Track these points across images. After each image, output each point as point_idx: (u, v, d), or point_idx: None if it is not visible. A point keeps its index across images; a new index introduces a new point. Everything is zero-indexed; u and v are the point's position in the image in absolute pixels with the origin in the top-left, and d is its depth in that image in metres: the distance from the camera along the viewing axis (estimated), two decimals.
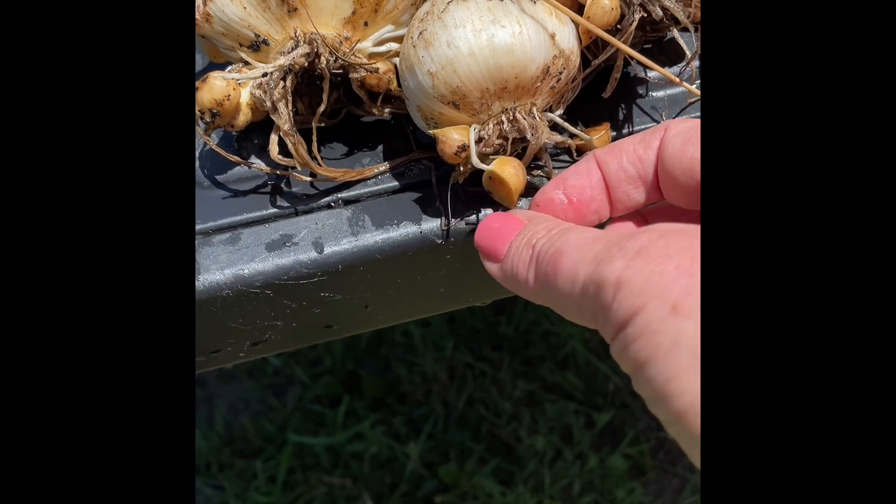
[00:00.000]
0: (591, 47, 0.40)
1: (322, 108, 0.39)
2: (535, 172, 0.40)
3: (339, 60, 0.38)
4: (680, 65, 0.44)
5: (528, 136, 0.36)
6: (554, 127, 0.39)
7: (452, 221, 0.40)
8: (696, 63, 0.42)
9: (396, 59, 0.40)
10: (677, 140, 0.33)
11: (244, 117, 0.39)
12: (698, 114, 0.43)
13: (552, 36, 0.36)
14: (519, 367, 1.19)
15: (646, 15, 0.37)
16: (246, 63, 0.39)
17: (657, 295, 0.26)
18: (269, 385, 1.20)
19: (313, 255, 0.39)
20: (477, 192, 0.40)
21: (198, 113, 0.38)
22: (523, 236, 0.33)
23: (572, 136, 0.40)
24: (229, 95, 0.37)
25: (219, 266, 0.39)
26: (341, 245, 0.40)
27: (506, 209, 0.39)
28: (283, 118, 0.37)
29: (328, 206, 0.41)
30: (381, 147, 0.43)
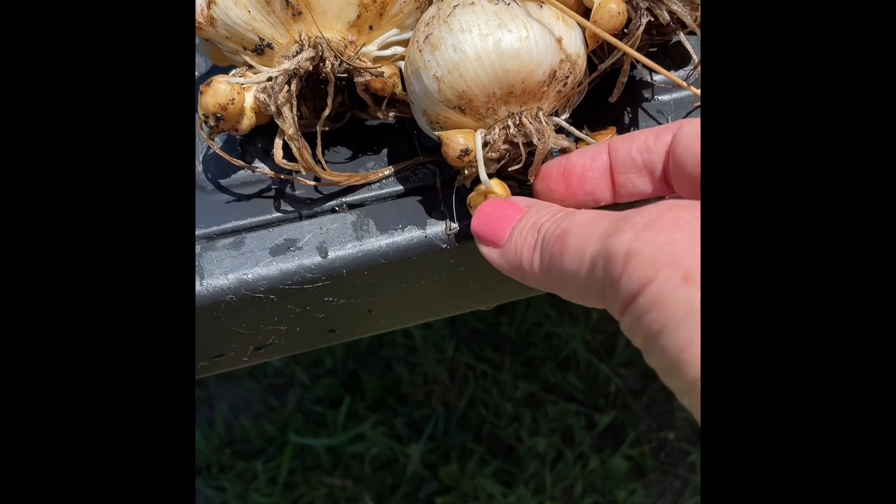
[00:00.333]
0: (598, 51, 0.40)
1: (327, 112, 0.38)
2: None
3: (344, 64, 0.37)
4: (686, 68, 0.43)
5: (535, 140, 0.36)
6: (560, 131, 0.39)
7: (457, 226, 0.40)
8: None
9: (401, 63, 0.39)
10: (691, 132, 0.33)
11: (248, 121, 0.38)
12: None
13: (559, 40, 0.35)
14: (520, 368, 1.19)
15: (653, 19, 0.37)
16: (250, 66, 0.39)
17: (668, 265, 0.26)
18: (270, 386, 1.20)
19: (317, 259, 0.39)
20: None
21: (202, 117, 0.38)
22: (527, 220, 0.33)
23: (578, 139, 0.40)
24: (233, 99, 0.37)
25: (222, 271, 0.39)
26: (346, 249, 0.39)
27: None
28: (288, 122, 0.37)
29: (332, 211, 0.41)
30: (385, 151, 0.43)
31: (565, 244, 0.30)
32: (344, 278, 0.39)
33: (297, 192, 0.41)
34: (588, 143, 0.40)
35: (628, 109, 0.43)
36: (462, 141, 0.37)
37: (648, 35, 0.40)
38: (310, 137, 0.39)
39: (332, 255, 0.39)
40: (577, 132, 0.39)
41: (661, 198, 0.36)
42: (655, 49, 0.44)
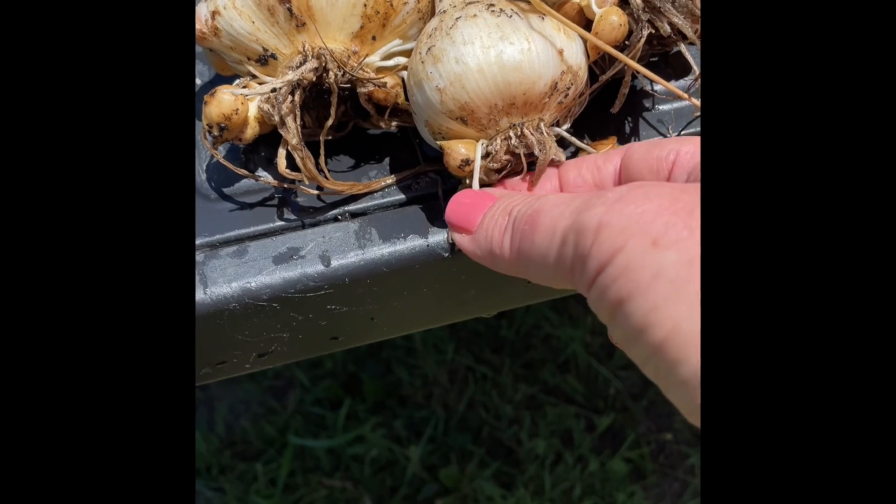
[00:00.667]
0: (599, 62, 0.40)
1: (330, 122, 0.39)
2: None
3: (347, 75, 0.38)
4: (686, 78, 0.44)
5: (536, 151, 0.36)
6: (561, 141, 0.39)
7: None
8: None
9: (404, 73, 0.40)
10: (642, 147, 0.34)
11: (252, 131, 0.39)
12: None
13: (560, 52, 0.36)
14: (520, 371, 1.19)
15: (653, 31, 0.37)
16: (253, 76, 0.39)
17: (637, 233, 0.26)
18: (270, 387, 1.20)
19: (320, 268, 0.39)
20: None
21: (206, 127, 0.38)
22: (498, 205, 0.34)
23: (579, 149, 0.40)
24: (237, 109, 0.37)
25: (226, 279, 0.39)
26: (348, 258, 0.40)
27: None
28: (292, 133, 0.37)
29: (335, 219, 0.41)
30: (387, 160, 0.43)
31: (536, 222, 0.30)
32: (346, 286, 0.40)
33: (299, 201, 0.42)
34: (589, 153, 0.40)
35: (629, 119, 0.43)
36: (463, 151, 0.37)
37: (649, 46, 0.40)
38: (313, 147, 0.39)
39: (334, 263, 0.39)
40: (578, 142, 0.39)
41: None
42: (656, 59, 0.44)
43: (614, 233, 0.26)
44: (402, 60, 0.40)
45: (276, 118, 0.37)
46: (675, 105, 0.43)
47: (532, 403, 1.17)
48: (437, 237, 0.40)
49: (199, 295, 0.39)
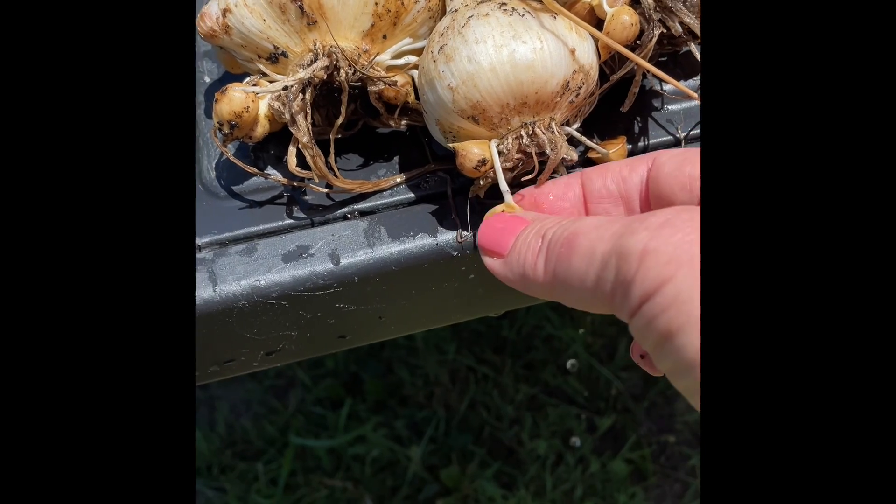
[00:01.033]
0: (608, 61, 0.40)
1: (340, 120, 0.39)
2: None
3: (358, 73, 0.38)
4: (696, 78, 0.44)
5: (547, 150, 0.36)
6: (571, 141, 0.39)
7: (468, 234, 0.40)
8: None
9: (414, 72, 0.40)
10: (673, 161, 0.33)
11: (262, 129, 0.39)
12: None
13: (572, 51, 0.36)
14: (521, 371, 1.19)
15: (665, 30, 0.37)
16: (264, 74, 0.39)
17: (687, 263, 0.25)
18: (271, 387, 1.20)
19: (329, 266, 0.39)
20: (492, 205, 0.40)
21: (216, 124, 0.38)
22: (531, 228, 0.33)
23: (589, 149, 0.40)
24: (248, 107, 0.37)
25: (235, 277, 0.39)
26: (357, 256, 0.40)
27: None
28: (302, 131, 0.37)
29: (344, 218, 0.41)
30: (396, 158, 0.43)
31: (574, 245, 0.30)
32: (355, 285, 0.40)
33: (308, 199, 0.42)
34: (599, 153, 0.40)
35: (638, 119, 0.43)
36: (478, 151, 0.37)
37: (659, 45, 0.40)
38: (322, 145, 0.39)
39: (343, 261, 0.39)
40: (588, 142, 0.39)
41: None
42: (665, 59, 0.44)
43: (662, 261, 0.26)
44: (412, 59, 0.40)
45: (287, 116, 0.37)
46: (685, 105, 0.43)
47: (533, 404, 1.17)
48: (446, 236, 0.40)
49: (209, 293, 0.39)
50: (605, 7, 0.37)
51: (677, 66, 0.44)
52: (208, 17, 0.38)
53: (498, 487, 1.10)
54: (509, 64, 0.35)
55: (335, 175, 0.39)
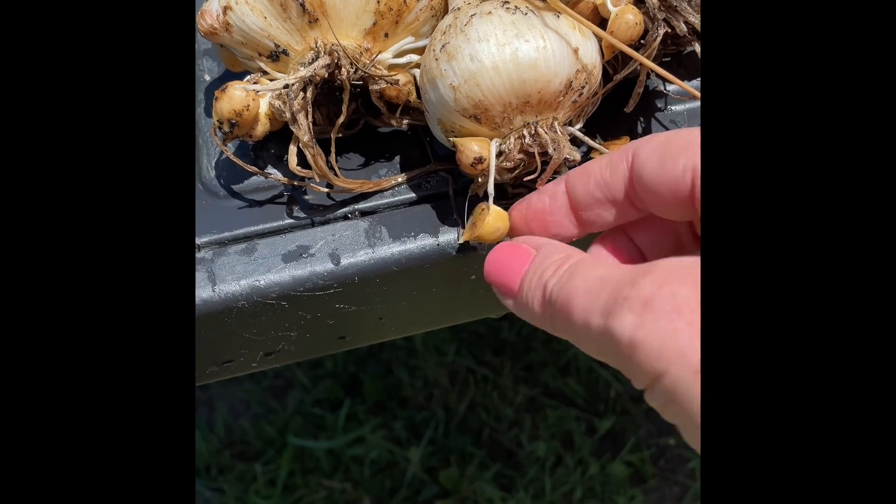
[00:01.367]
0: (612, 60, 0.40)
1: (341, 119, 0.38)
2: None
3: (360, 72, 0.37)
4: (699, 78, 0.44)
5: (550, 150, 0.36)
6: (574, 140, 0.39)
7: None
8: None
9: (416, 71, 0.39)
10: (653, 159, 0.32)
11: (262, 127, 0.38)
12: None
13: (576, 50, 0.35)
14: (520, 373, 1.19)
15: (669, 30, 0.37)
16: (264, 72, 0.39)
17: (676, 360, 0.25)
18: (270, 387, 1.20)
19: (330, 266, 0.39)
20: None
21: (216, 122, 0.38)
22: (534, 274, 0.33)
23: (591, 149, 0.40)
24: (248, 106, 0.37)
25: (235, 277, 0.39)
26: (358, 257, 0.39)
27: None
28: (303, 130, 0.37)
29: (345, 218, 0.41)
30: (398, 158, 0.43)
31: (570, 312, 0.30)
32: (356, 285, 0.39)
33: (309, 199, 0.41)
34: (602, 153, 0.40)
35: (641, 119, 0.43)
36: (476, 149, 0.36)
37: (663, 45, 0.40)
38: (323, 144, 0.39)
39: (344, 262, 0.39)
40: (591, 142, 0.39)
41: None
42: (669, 59, 0.44)
43: (651, 356, 0.26)
44: (414, 58, 0.40)
45: (288, 115, 0.37)
46: (689, 105, 0.43)
47: (532, 406, 1.17)
48: (448, 236, 0.40)
49: (208, 293, 0.38)
50: (609, 6, 0.37)
51: (681, 65, 0.44)
52: (209, 14, 0.38)
53: (497, 489, 1.10)
54: (512, 63, 0.34)
55: (336, 174, 0.39)
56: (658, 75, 0.37)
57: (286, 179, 0.40)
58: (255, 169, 0.40)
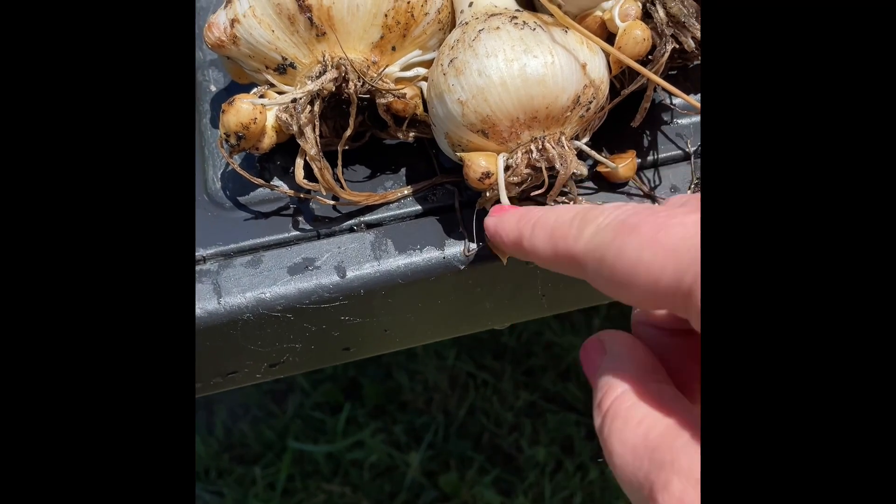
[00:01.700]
0: (619, 75, 0.40)
1: (349, 132, 0.38)
2: (560, 199, 0.40)
3: (367, 85, 0.37)
4: None
5: (557, 165, 0.36)
6: (580, 155, 0.39)
7: (475, 247, 0.40)
8: None
9: (423, 84, 0.39)
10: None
11: (269, 140, 0.38)
12: None
13: (583, 66, 0.35)
14: (520, 378, 1.19)
15: (677, 45, 0.37)
16: (271, 85, 0.39)
17: None
18: (270, 391, 1.20)
19: (335, 279, 0.39)
20: None
21: (223, 135, 0.38)
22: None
23: (598, 163, 0.40)
24: (256, 119, 0.37)
25: (240, 289, 0.39)
26: (364, 269, 0.39)
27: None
28: (310, 143, 0.37)
29: (350, 230, 0.41)
30: (403, 170, 0.43)
31: (612, 454, 0.28)
32: (361, 298, 0.39)
33: (315, 211, 0.41)
34: (608, 167, 0.40)
35: (647, 133, 0.43)
36: (484, 164, 0.36)
37: (670, 59, 0.40)
38: (329, 156, 0.39)
39: (350, 274, 0.39)
40: (598, 156, 0.39)
41: None
42: (675, 73, 0.44)
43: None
44: (421, 71, 0.40)
45: (295, 128, 0.37)
46: (695, 119, 0.43)
47: (533, 410, 1.17)
48: (454, 249, 0.40)
49: (213, 305, 0.38)
50: (617, 21, 0.37)
51: (687, 79, 0.44)
52: (216, 27, 0.38)
53: (497, 494, 1.10)
54: (520, 78, 0.34)
55: (342, 187, 0.39)
56: (665, 90, 0.37)
57: (292, 192, 0.40)
58: (261, 181, 0.40)
